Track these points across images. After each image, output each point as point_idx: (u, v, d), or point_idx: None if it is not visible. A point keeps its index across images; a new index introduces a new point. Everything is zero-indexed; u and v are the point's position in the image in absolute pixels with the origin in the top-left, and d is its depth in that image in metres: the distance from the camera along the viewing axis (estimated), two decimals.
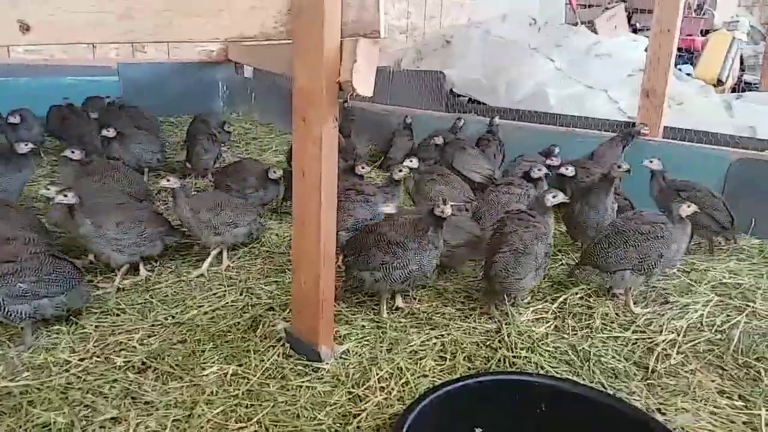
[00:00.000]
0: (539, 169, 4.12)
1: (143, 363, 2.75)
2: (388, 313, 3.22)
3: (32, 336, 2.91)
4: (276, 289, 3.47)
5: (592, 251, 3.34)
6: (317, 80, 2.40)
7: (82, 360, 2.77)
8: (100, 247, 3.41)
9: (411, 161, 4.29)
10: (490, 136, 5.54)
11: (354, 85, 2.34)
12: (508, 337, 2.98)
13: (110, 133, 5.10)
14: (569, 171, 4.30)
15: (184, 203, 3.61)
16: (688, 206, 3.29)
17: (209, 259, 3.70)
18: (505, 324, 3.10)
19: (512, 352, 2.87)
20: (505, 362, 2.81)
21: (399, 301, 3.32)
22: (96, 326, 3.06)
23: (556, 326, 3.14)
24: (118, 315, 3.18)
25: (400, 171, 3.90)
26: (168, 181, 3.58)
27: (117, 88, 7.18)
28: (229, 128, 6.12)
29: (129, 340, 2.93)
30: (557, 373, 2.73)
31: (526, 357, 2.83)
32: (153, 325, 3.08)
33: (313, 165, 2.53)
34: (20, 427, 2.32)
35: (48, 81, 6.87)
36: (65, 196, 3.29)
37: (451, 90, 7.43)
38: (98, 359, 2.78)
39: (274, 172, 4.50)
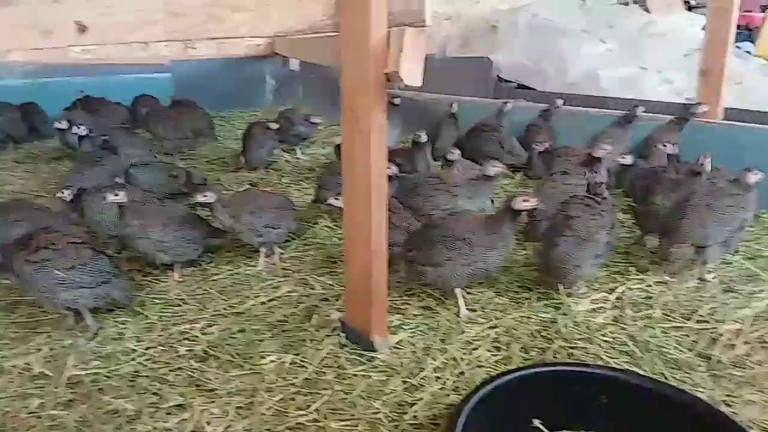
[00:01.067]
0: (602, 148, 4.01)
1: (205, 352, 2.85)
2: (462, 309, 3.11)
3: (94, 320, 3.03)
4: (329, 280, 3.52)
5: (687, 228, 3.30)
6: (364, 71, 2.40)
7: (147, 349, 2.88)
8: (145, 247, 3.48)
9: (453, 153, 4.23)
10: (540, 121, 5.40)
11: (401, 76, 2.32)
12: (565, 327, 2.94)
13: (81, 131, 4.63)
14: (627, 160, 4.17)
15: (222, 214, 3.56)
16: (755, 173, 3.36)
17: (261, 258, 3.76)
18: (561, 314, 3.05)
19: (569, 342, 2.83)
20: (562, 353, 2.77)
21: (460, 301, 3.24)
22: (159, 316, 3.18)
23: (614, 316, 3.06)
24: (179, 306, 3.29)
25: (495, 167, 3.68)
26: (205, 196, 3.49)
27: (170, 86, 7.37)
28: (316, 120, 5.89)
29: (191, 330, 3.03)
30: (617, 364, 2.67)
31: (583, 348, 2.79)
32: (213, 315, 3.18)
33: (363, 156, 2.53)
34: (92, 413, 2.44)
35: (103, 80, 7.13)
36: (116, 195, 3.33)
37: (499, 76, 7.31)
38: (163, 348, 2.89)
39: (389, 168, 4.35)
